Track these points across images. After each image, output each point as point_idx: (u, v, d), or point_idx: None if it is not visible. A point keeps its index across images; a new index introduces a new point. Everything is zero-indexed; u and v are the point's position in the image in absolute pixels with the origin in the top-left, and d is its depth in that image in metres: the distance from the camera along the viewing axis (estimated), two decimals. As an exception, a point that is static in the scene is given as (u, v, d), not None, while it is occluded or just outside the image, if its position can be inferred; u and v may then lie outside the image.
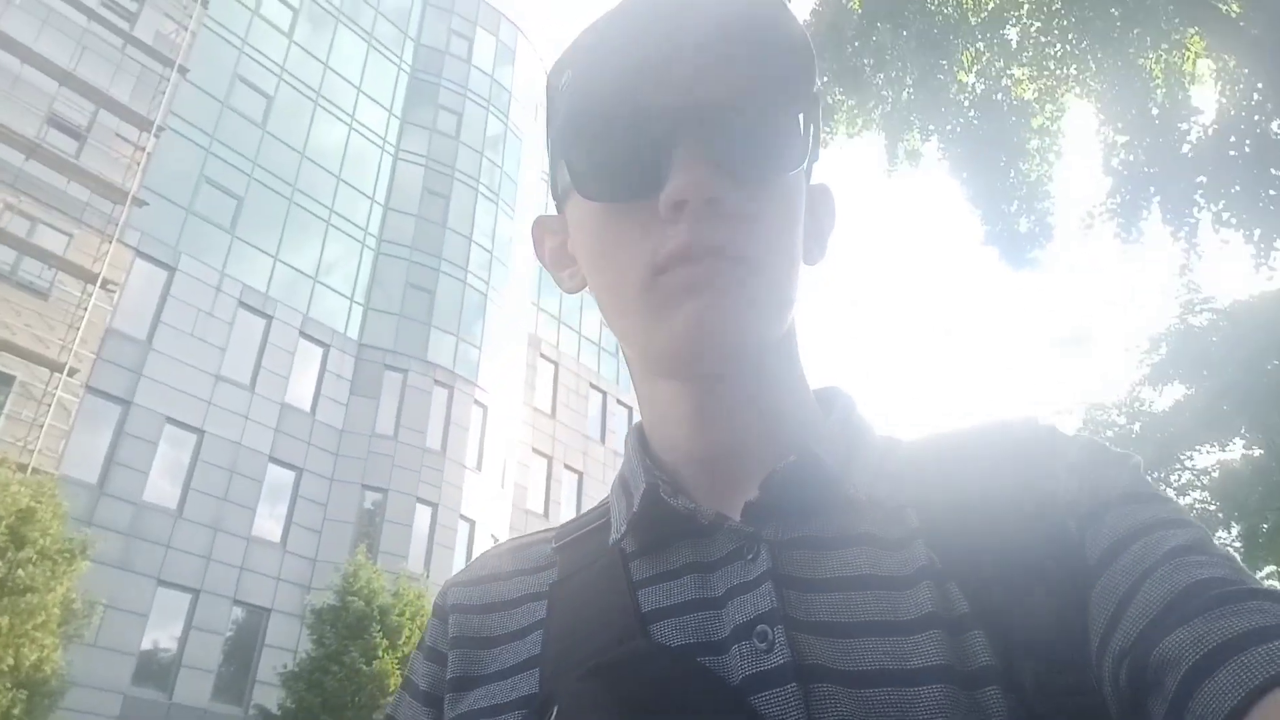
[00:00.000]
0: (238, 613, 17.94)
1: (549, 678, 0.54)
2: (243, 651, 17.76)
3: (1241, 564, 0.48)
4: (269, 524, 18.89)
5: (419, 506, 20.42)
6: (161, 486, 17.44)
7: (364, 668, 14.66)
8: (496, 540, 21.29)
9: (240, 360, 19.23)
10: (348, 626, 15.17)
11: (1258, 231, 8.22)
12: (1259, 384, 14.21)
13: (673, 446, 0.60)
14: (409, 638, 15.59)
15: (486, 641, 0.61)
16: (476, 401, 22.58)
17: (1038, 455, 0.56)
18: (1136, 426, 16.41)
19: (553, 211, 0.69)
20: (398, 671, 14.82)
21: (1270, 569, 17.32)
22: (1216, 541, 0.50)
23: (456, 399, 22.05)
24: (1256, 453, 15.84)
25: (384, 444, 20.64)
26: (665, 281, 0.52)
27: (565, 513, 25.75)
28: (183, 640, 17.06)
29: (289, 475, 19.54)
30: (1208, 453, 16.59)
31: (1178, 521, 0.50)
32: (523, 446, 24.89)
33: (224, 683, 17.23)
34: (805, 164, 0.57)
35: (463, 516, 21.06)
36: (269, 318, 20.02)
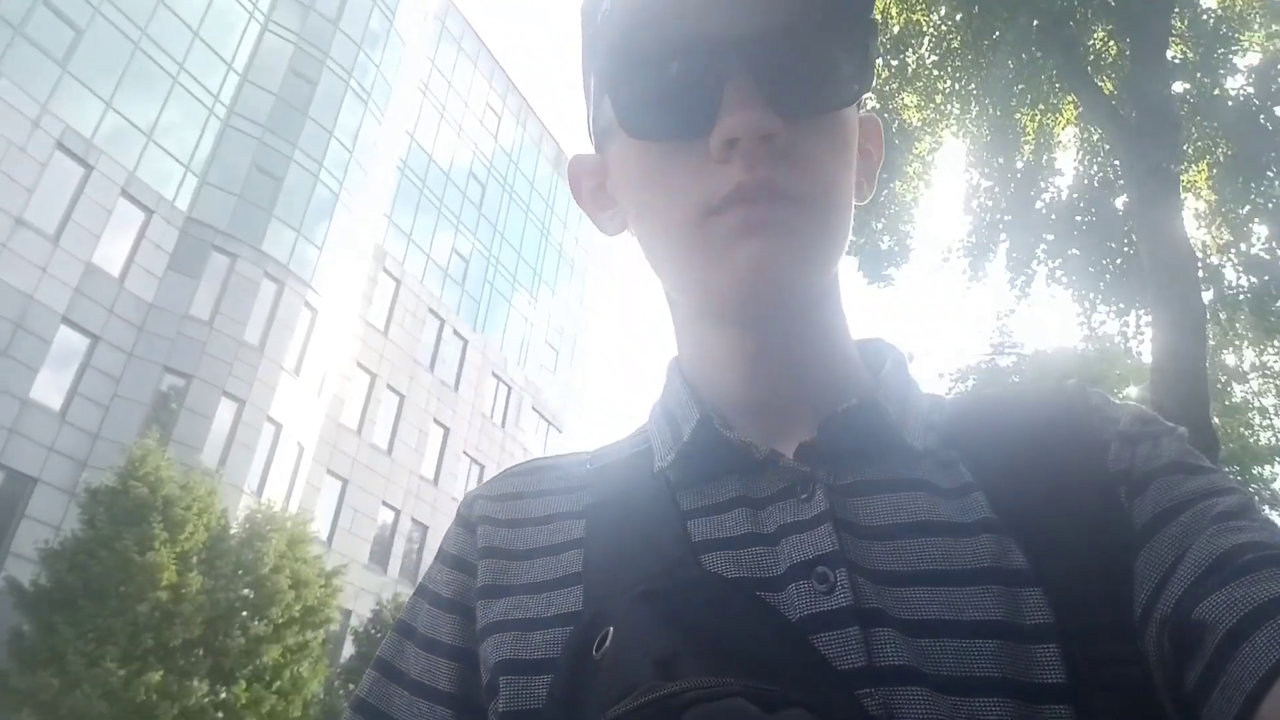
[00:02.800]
0: (-2, 477, 16.42)
1: (596, 597, 0.52)
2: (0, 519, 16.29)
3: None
4: (50, 390, 17.31)
5: (224, 400, 19.30)
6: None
7: (136, 557, 13.77)
8: (302, 448, 20.48)
9: (47, 207, 17.39)
10: (125, 511, 14.19)
11: (1090, 295, 9.05)
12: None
13: (721, 385, 0.59)
14: (192, 534, 14.77)
15: (516, 554, 0.59)
16: (307, 303, 21.49)
17: (1090, 421, 0.56)
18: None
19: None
20: (173, 566, 14.05)
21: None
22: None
23: (286, 296, 20.91)
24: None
25: (197, 328, 19.31)
26: (718, 223, 0.51)
27: (380, 433, 25.11)
28: (-72, 497, 15.46)
29: (82, 341, 17.95)
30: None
31: (1223, 489, 0.51)
32: (348, 359, 23.96)
33: (-31, 549, 15.76)
34: (860, 95, 0.55)
35: (270, 418, 20.07)
36: (89, 168, 18.19)
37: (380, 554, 24.71)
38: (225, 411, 19.25)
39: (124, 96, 19.03)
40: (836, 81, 0.53)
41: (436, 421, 27.20)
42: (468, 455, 28.40)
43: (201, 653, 14.46)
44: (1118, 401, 0.59)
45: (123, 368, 18.35)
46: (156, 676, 13.51)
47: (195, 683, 14.09)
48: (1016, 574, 0.49)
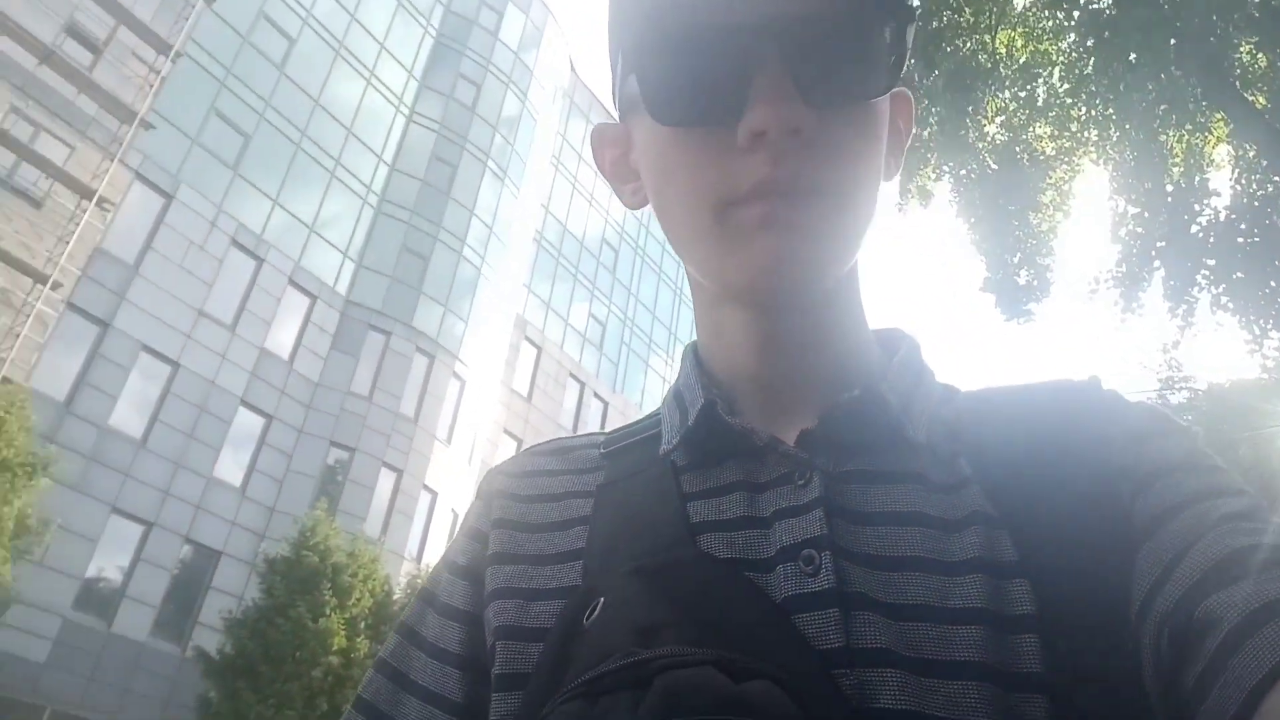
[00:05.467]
0: (188, 551, 17.77)
1: (593, 571, 0.55)
2: (188, 591, 17.59)
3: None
4: (231, 467, 18.71)
5: (384, 471, 20.32)
6: (128, 414, 17.23)
7: (310, 624, 14.56)
8: (457, 515, 21.20)
9: (225, 299, 19.04)
10: (299, 580, 15.07)
11: (1260, 320, 8.39)
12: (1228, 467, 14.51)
13: (733, 369, 0.60)
14: (358, 600, 15.51)
15: (527, 526, 0.62)
16: (455, 375, 22.49)
17: (1098, 417, 0.55)
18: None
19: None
20: (342, 632, 14.76)
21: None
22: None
23: (436, 369, 21.96)
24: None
25: (357, 404, 20.52)
26: (741, 214, 0.51)
27: (528, 497, 25.68)
28: (129, 571, 16.87)
29: (258, 421, 19.36)
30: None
31: (1231, 490, 0.50)
32: (495, 426, 24.82)
33: (165, 619, 17.06)
34: (891, 84, 0.53)
35: (426, 486, 20.97)
36: (260, 260, 19.84)
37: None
38: (385, 481, 20.25)
39: (288, 192, 20.74)
40: (870, 71, 0.51)
41: (582, 483, 27.63)
42: (614, 515, 28.63)
43: (371, 715, 15.03)
44: (1131, 400, 0.58)
45: (294, 444, 19.64)
46: (331, 738, 14.14)
47: (366, 745, 14.64)
48: (1004, 566, 0.49)
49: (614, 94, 0.61)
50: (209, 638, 15.91)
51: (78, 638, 15.61)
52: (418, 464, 20.92)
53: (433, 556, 20.19)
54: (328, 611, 14.79)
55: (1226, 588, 0.43)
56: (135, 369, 17.39)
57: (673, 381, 0.67)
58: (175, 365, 18.02)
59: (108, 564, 16.69)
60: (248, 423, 19.16)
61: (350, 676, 14.72)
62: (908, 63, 0.54)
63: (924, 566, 0.49)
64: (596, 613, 0.49)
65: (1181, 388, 15.57)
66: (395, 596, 16.75)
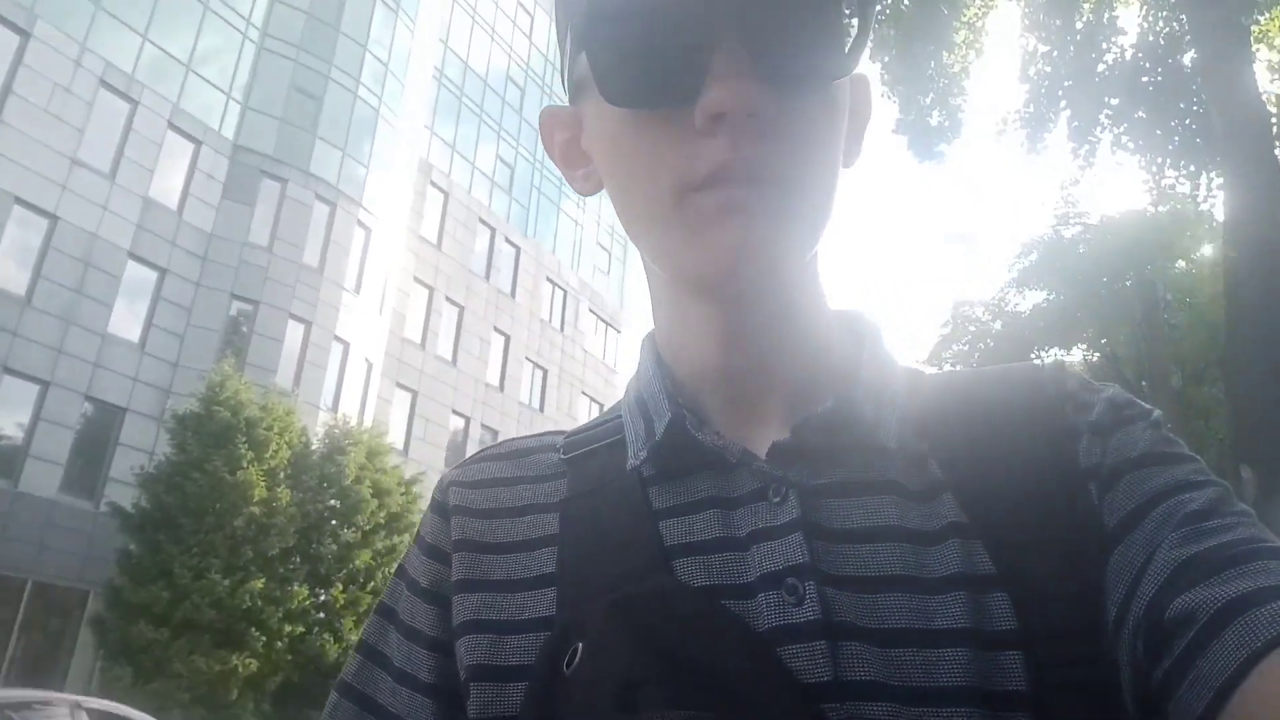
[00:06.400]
0: (89, 409, 17.25)
1: (569, 602, 0.53)
2: (95, 448, 17.20)
3: (1258, 521, 0.48)
4: (127, 323, 17.97)
5: (291, 322, 19.82)
6: (9, 271, 16.23)
7: (227, 476, 14.52)
8: (370, 364, 21.02)
9: (100, 146, 17.66)
10: (212, 435, 14.90)
11: (1158, 159, 8.71)
12: (1110, 298, 15.41)
13: (694, 363, 0.58)
14: (276, 452, 15.47)
15: (491, 547, 0.58)
16: (360, 222, 21.72)
17: (1063, 413, 0.55)
18: (998, 325, 17.56)
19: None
20: (262, 483, 14.79)
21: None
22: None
23: (338, 217, 21.14)
24: (1095, 358, 17.34)
25: (257, 254, 19.72)
26: (700, 200, 0.49)
27: (443, 344, 25.63)
28: (30, 430, 16.35)
29: (150, 275, 18.49)
30: (1054, 355, 18.02)
31: (1194, 483, 0.50)
32: (404, 274, 24.30)
33: (74, 477, 16.72)
34: (852, 65, 0.51)
35: (337, 338, 20.61)
36: (134, 102, 18.35)
37: (455, 459, 25.46)
38: (294, 334, 19.80)
39: (159, 28, 19.01)
40: (831, 52, 0.49)
41: (497, 330, 27.61)
42: (530, 360, 28.88)
43: (298, 560, 15.35)
44: (1095, 388, 0.57)
45: (192, 298, 18.90)
46: (259, 584, 14.41)
47: (295, 588, 15.01)
48: (983, 579, 0.48)
49: (563, 75, 0.58)
50: (122, 493, 15.74)
51: (-18, 500, 15.24)
52: (326, 315, 20.45)
53: (347, 407, 20.15)
54: (245, 464, 14.74)
55: (1190, 590, 0.43)
56: (10, 223, 16.23)
57: (633, 375, 0.64)
58: (53, 218, 16.87)
59: (6, 423, 16.13)
60: (139, 277, 18.28)
61: (274, 524, 14.88)
62: (868, 45, 0.52)
63: (906, 586, 0.48)
64: (577, 660, 0.47)
65: (1075, 222, 16.26)
66: (314, 447, 16.76)
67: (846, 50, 0.50)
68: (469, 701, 0.53)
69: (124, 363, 17.69)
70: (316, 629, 15.31)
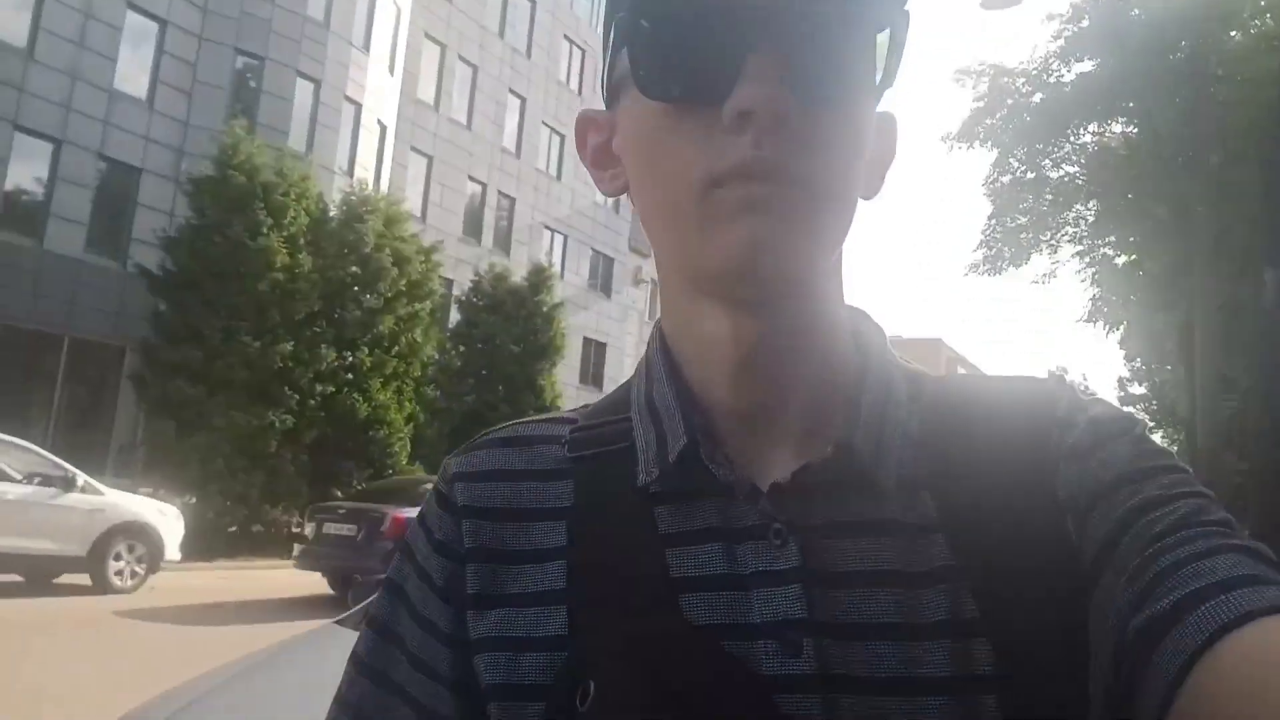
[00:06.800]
0: (105, 168, 17.14)
1: (580, 626, 0.56)
2: (115, 207, 17.26)
3: (1236, 531, 0.49)
4: (134, 79, 17.44)
5: (299, 81, 19.16)
6: (6, 20, 15.58)
7: (248, 242, 14.65)
8: (383, 126, 20.44)
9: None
10: (229, 200, 14.87)
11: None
12: (1160, 68, 14.56)
13: (708, 375, 0.59)
14: (295, 218, 15.49)
15: (506, 556, 0.60)
16: (365, -31, 20.43)
17: (1048, 440, 0.56)
18: (1037, 97, 16.72)
19: None
20: (283, 249, 14.93)
21: (1111, 238, 19.10)
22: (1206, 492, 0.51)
23: (342, -38, 19.87)
24: (1134, 131, 16.65)
25: (260, 5, 18.71)
26: (722, 196, 0.50)
27: (458, 107, 24.83)
28: (49, 189, 16.36)
29: (151, 26, 17.70)
30: (1093, 133, 17.31)
31: (1166, 498, 0.50)
32: (415, 30, 23.12)
33: (98, 236, 16.93)
34: (883, 89, 0.53)
35: (348, 98, 19.97)
36: None
37: (472, 226, 25.55)
38: (303, 92, 19.20)
39: None
40: (860, 72, 0.51)
41: (512, 92, 26.61)
42: (547, 125, 28.04)
43: (324, 325, 15.79)
44: (1082, 406, 0.58)
45: (196, 52, 18.19)
46: (288, 346, 14.93)
47: (323, 350, 15.56)
48: (967, 624, 0.51)
49: (602, 82, 0.60)
50: (147, 254, 15.97)
51: (9, 255, 15.53)
52: (336, 74, 19.70)
53: (362, 170, 19.88)
54: (265, 230, 14.80)
55: (1141, 611, 0.45)
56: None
57: (641, 367, 0.64)
58: (43, -40, 15.97)
59: (24, 181, 16.14)
60: (140, 27, 17.51)
61: (297, 289, 15.18)
62: (895, 78, 0.53)
63: (896, 634, 0.51)
64: (590, 699, 0.51)
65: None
66: (331, 214, 16.74)
67: (877, 74, 0.52)
68: (493, 718, 0.56)
69: (134, 120, 17.36)
70: (345, 388, 16.02)
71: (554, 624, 0.56)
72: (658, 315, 0.66)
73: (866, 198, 0.58)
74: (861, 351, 0.61)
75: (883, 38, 0.52)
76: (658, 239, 0.57)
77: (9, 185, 15.83)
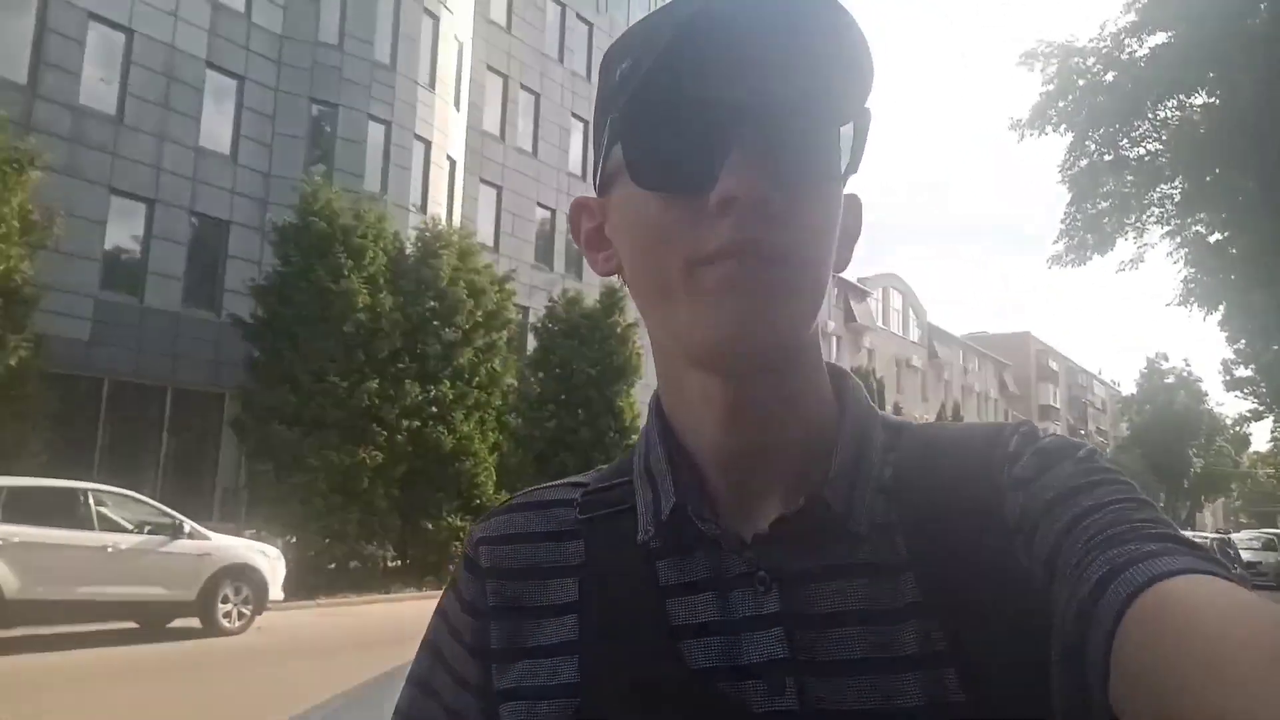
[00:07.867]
0: (196, 223, 17.98)
1: (589, 675, 0.61)
2: (207, 261, 18.09)
3: (1170, 524, 0.52)
4: (216, 135, 18.27)
5: (371, 124, 19.79)
6: (96, 90, 16.52)
7: (331, 286, 15.16)
8: (452, 160, 20.93)
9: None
10: (311, 246, 15.43)
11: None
12: (1236, 34, 13.89)
13: (700, 438, 0.64)
14: (373, 258, 15.99)
15: (526, 612, 0.66)
16: (426, 10, 20.99)
17: (1000, 474, 0.60)
18: (1110, 75, 16.16)
19: None
20: (364, 291, 15.42)
21: (1201, 215, 18.27)
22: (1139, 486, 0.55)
23: (405, 5, 20.45)
24: (1215, 102, 15.89)
25: (329, 54, 19.43)
26: (708, 274, 0.55)
27: (523, 135, 25.26)
28: (145, 248, 17.23)
29: (230, 84, 18.53)
30: (1173, 108, 16.61)
31: (1098, 506, 0.53)
32: (478, 64, 23.64)
33: (193, 288, 17.75)
34: (849, 174, 0.59)
35: (417, 136, 20.54)
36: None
37: (544, 252, 25.91)
38: (375, 135, 19.82)
39: None
40: (828, 160, 0.57)
41: (575, 115, 26.96)
42: (611, 145, 28.24)
43: (407, 360, 16.23)
44: (1032, 441, 0.61)
45: (274, 105, 18.96)
46: (374, 384, 15.39)
47: (407, 385, 15.97)
48: (936, 657, 0.55)
49: (595, 172, 0.65)
50: (239, 303, 16.66)
51: (113, 314, 16.40)
52: (404, 114, 20.29)
53: (435, 206, 20.39)
54: (346, 273, 15.31)
55: (1080, 592, 0.48)
56: (90, 38, 16.35)
57: (641, 438, 0.70)
58: (129, 31, 16.87)
59: (123, 241, 17.02)
60: (219, 85, 18.35)
61: (379, 328, 15.65)
62: (860, 165, 0.59)
63: (872, 669, 0.55)
64: None
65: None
66: (408, 251, 17.20)
67: (844, 158, 0.58)
68: None
69: (220, 175, 18.18)
70: (431, 421, 16.40)
71: (567, 672, 0.62)
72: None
73: (838, 270, 0.64)
74: (841, 410, 0.66)
75: (846, 130, 0.58)
76: (650, 314, 0.62)
77: (108, 245, 16.72)
